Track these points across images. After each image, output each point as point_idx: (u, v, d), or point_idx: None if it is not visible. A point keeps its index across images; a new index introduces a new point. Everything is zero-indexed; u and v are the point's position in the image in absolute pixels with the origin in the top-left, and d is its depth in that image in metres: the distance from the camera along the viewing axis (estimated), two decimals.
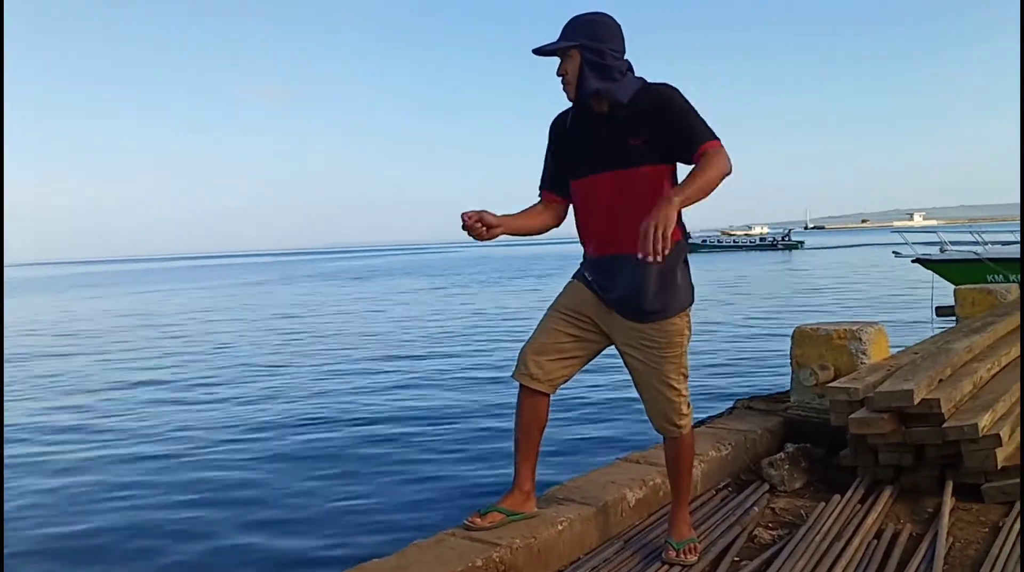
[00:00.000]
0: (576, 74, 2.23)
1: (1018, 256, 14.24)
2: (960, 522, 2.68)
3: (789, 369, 3.82)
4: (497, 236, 2.26)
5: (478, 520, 2.34)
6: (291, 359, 13.01)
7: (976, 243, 17.13)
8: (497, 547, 2.20)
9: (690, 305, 2.36)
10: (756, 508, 2.86)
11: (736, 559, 2.47)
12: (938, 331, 5.71)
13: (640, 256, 1.93)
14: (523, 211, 2.44)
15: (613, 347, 2.45)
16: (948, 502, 2.75)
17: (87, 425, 8.55)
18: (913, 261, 16.35)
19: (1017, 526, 2.56)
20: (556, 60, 2.27)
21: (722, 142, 2.17)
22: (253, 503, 5.58)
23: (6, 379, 11.73)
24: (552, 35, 2.29)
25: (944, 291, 13.63)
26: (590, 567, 2.37)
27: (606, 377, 8.19)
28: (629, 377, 2.42)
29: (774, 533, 2.67)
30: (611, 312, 2.36)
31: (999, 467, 2.80)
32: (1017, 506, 2.71)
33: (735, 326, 14.43)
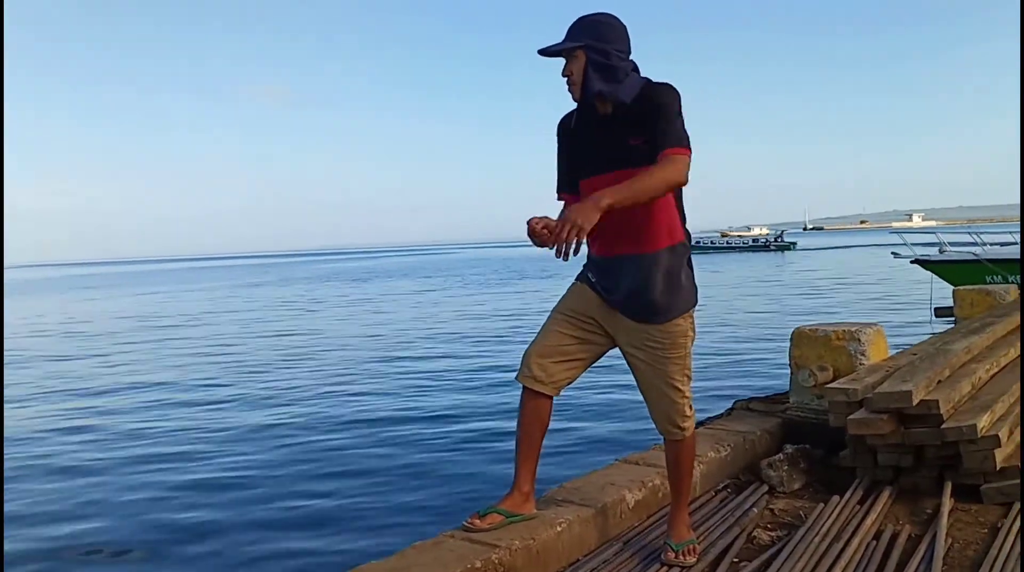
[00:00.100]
0: (581, 75, 2.23)
1: (1017, 257, 14.25)
2: (959, 523, 2.68)
3: (788, 370, 3.82)
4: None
5: (477, 521, 2.34)
6: (289, 361, 13.00)
7: (975, 244, 17.15)
8: (496, 548, 2.20)
9: (694, 306, 2.36)
10: (755, 509, 2.86)
11: (735, 560, 2.47)
12: (937, 332, 5.71)
13: (553, 253, 1.94)
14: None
15: (615, 349, 2.45)
16: (947, 503, 2.75)
17: (87, 426, 8.54)
18: (912, 262, 16.36)
19: (1016, 527, 2.56)
20: (561, 61, 2.27)
21: (689, 152, 2.14)
22: (251, 505, 5.57)
23: (9, 381, 11.72)
24: (552, 36, 2.29)
25: (943, 292, 13.65)
26: (589, 569, 2.37)
27: (605, 378, 8.19)
28: (628, 378, 2.43)
29: (773, 534, 2.67)
30: (615, 313, 2.36)
31: (998, 468, 2.80)
32: (1016, 507, 2.71)
33: (733, 327, 14.44)
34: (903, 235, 18.12)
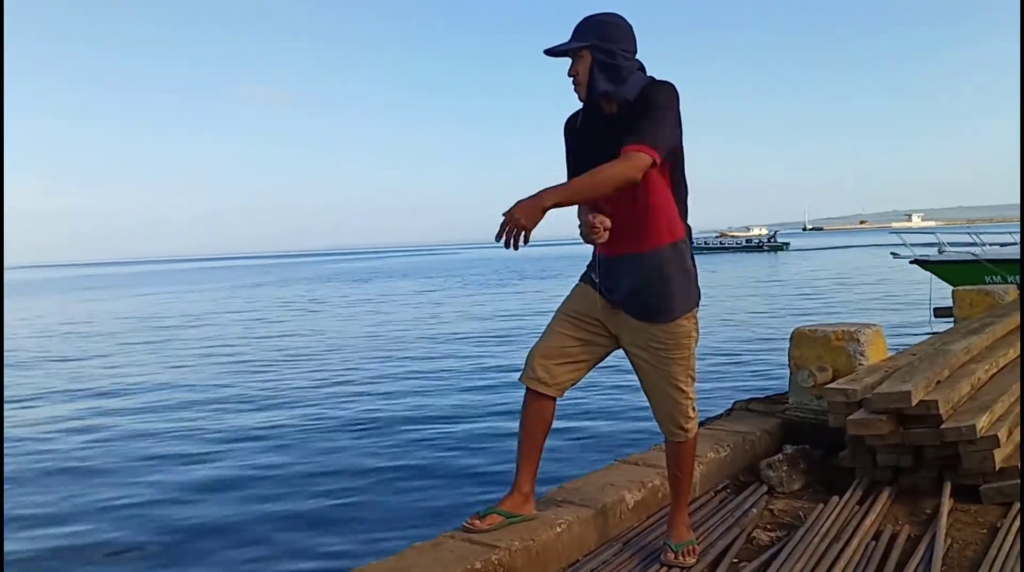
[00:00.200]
0: (587, 75, 2.23)
1: (1016, 257, 14.24)
2: (958, 523, 2.69)
3: (787, 370, 3.82)
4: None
5: (477, 522, 2.34)
6: (289, 361, 13.00)
7: (974, 244, 17.14)
8: (496, 549, 2.20)
9: (696, 306, 2.35)
10: (755, 509, 2.86)
11: (735, 561, 2.47)
12: (936, 332, 5.71)
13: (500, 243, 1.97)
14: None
15: (619, 349, 2.45)
16: (946, 503, 2.75)
17: (89, 426, 8.54)
18: (911, 262, 16.36)
19: (1015, 527, 2.57)
20: (566, 61, 2.27)
21: (652, 151, 2.12)
22: (249, 505, 5.58)
23: (12, 382, 11.72)
24: (552, 36, 2.28)
25: (942, 292, 13.64)
26: (589, 569, 2.37)
27: (605, 379, 8.20)
28: (627, 378, 2.43)
29: (773, 534, 2.68)
30: (619, 313, 2.36)
31: (997, 468, 2.80)
32: (1015, 507, 2.71)
33: (732, 327, 14.43)
34: (902, 235, 18.11)
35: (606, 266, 2.37)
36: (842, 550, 2.43)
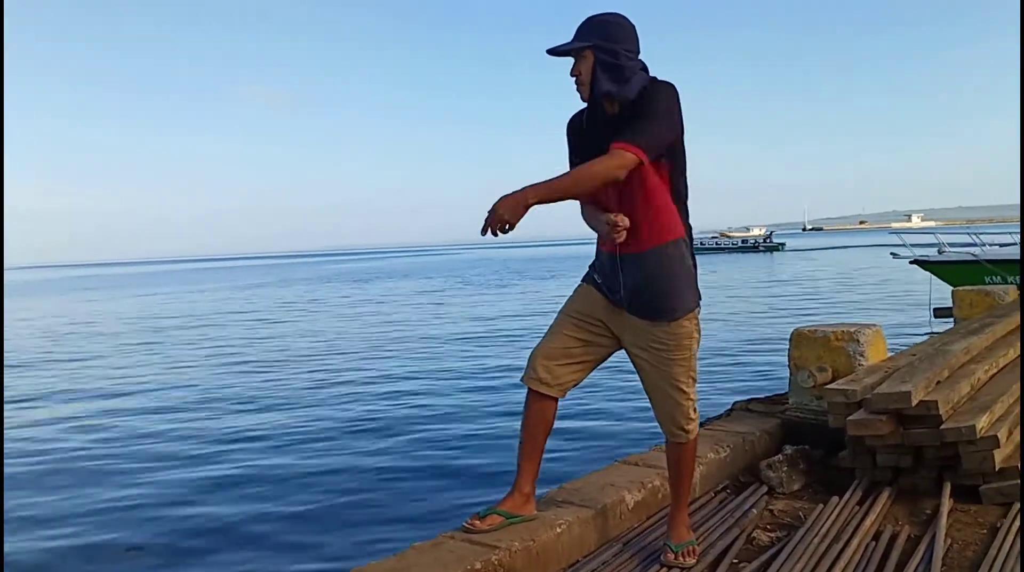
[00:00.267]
0: (590, 74, 2.23)
1: (1015, 257, 14.24)
2: (958, 523, 2.69)
3: (787, 371, 3.83)
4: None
5: (477, 523, 2.34)
6: (289, 362, 13.00)
7: (974, 244, 17.15)
8: (496, 550, 2.20)
9: (697, 306, 2.35)
10: (755, 510, 2.86)
11: (735, 561, 2.47)
12: (936, 332, 5.72)
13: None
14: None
15: (621, 350, 2.45)
16: (946, 503, 2.75)
17: (87, 427, 8.55)
18: (911, 262, 16.37)
19: (1015, 527, 2.57)
20: (568, 61, 2.27)
21: (639, 151, 2.12)
22: (247, 506, 5.58)
23: (11, 383, 11.73)
24: (552, 36, 2.28)
25: (942, 293, 13.64)
26: (589, 570, 2.37)
27: (605, 379, 8.20)
28: (628, 378, 2.43)
29: (773, 535, 2.68)
30: (621, 313, 2.36)
31: (997, 468, 2.81)
32: (1015, 507, 2.71)
33: (731, 328, 14.43)
34: (902, 235, 18.11)
35: (608, 266, 2.37)
36: (842, 550, 2.44)
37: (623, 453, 3.39)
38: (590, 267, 2.47)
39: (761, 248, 64.73)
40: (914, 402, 2.87)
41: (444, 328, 17.26)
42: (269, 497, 5.75)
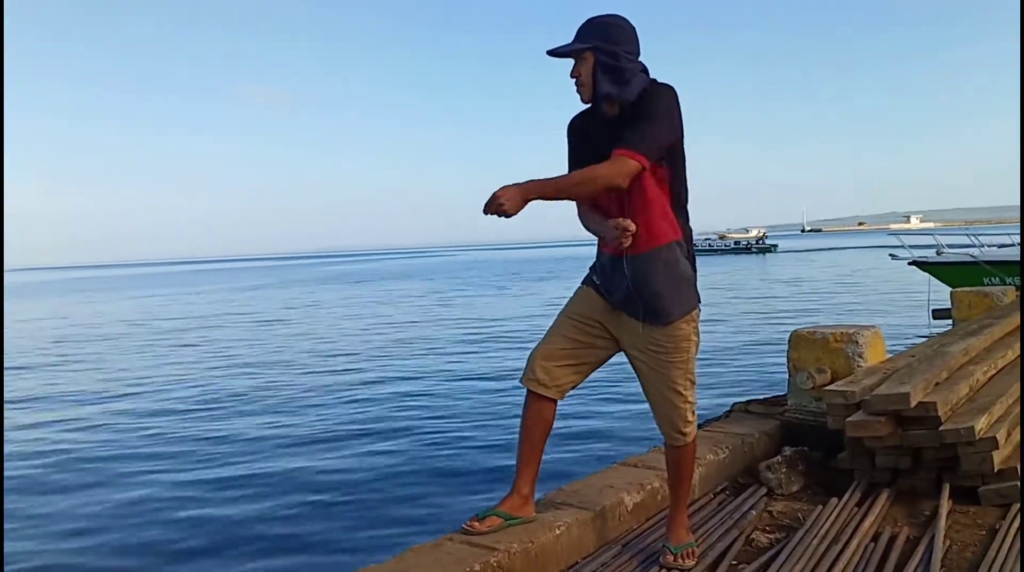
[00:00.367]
0: (590, 76, 2.23)
1: (1014, 259, 14.25)
2: (957, 525, 2.69)
3: (786, 372, 3.83)
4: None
5: (476, 524, 2.34)
6: (288, 364, 13.00)
7: (972, 246, 17.17)
8: (495, 551, 2.20)
9: (695, 309, 2.34)
10: (754, 511, 2.86)
11: (734, 563, 2.47)
12: (935, 334, 5.72)
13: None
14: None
15: (620, 352, 2.45)
16: (945, 505, 2.75)
17: (86, 427, 8.54)
18: (910, 263, 16.39)
19: (1014, 528, 2.57)
20: (568, 62, 2.27)
21: (640, 158, 2.14)
22: (245, 508, 5.57)
23: (13, 385, 11.72)
24: (553, 36, 2.28)
25: (941, 294, 13.65)
26: None
27: (604, 381, 8.20)
28: (627, 380, 2.43)
29: (772, 536, 2.68)
30: (620, 315, 2.36)
31: (996, 470, 2.81)
32: (1014, 508, 2.71)
33: (731, 329, 14.44)
34: (901, 237, 18.13)
35: (608, 267, 2.37)
36: (841, 552, 2.43)
37: (622, 455, 3.39)
38: (590, 269, 2.47)
39: (754, 250, 65.04)
40: (913, 403, 2.87)
41: (442, 330, 17.26)
42: (268, 499, 5.75)
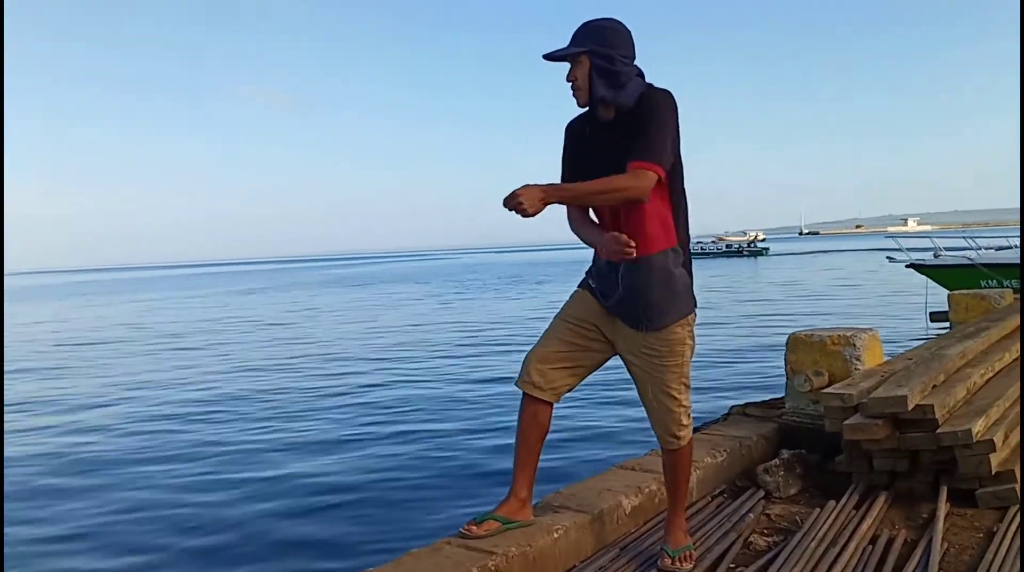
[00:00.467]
0: (586, 80, 2.24)
1: (1011, 261, 14.28)
2: (955, 527, 2.69)
3: (783, 375, 3.83)
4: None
5: (474, 528, 2.34)
6: (287, 367, 12.98)
7: (970, 248, 17.19)
8: (493, 555, 2.20)
9: (691, 314, 2.34)
10: (751, 514, 2.87)
11: (732, 566, 2.47)
12: (932, 336, 5.73)
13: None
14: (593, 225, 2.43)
15: (616, 356, 2.45)
16: (943, 507, 2.76)
17: (86, 428, 8.53)
18: (907, 266, 16.41)
19: (1012, 531, 2.57)
20: (565, 66, 2.27)
21: (659, 169, 2.15)
22: (248, 509, 5.56)
23: (10, 386, 11.70)
24: (553, 36, 2.29)
25: (938, 297, 13.67)
26: None
27: (602, 384, 8.19)
28: (624, 383, 2.43)
29: (769, 539, 2.68)
30: (615, 320, 2.37)
31: (993, 472, 2.81)
32: (1011, 511, 2.72)
33: (728, 332, 14.44)
34: (898, 239, 18.16)
35: (603, 271, 2.38)
36: (839, 555, 2.44)
37: (619, 458, 3.39)
38: (586, 272, 2.48)
39: (745, 253, 65.40)
40: (910, 406, 2.87)
41: (441, 333, 17.24)
42: (265, 502, 5.73)
